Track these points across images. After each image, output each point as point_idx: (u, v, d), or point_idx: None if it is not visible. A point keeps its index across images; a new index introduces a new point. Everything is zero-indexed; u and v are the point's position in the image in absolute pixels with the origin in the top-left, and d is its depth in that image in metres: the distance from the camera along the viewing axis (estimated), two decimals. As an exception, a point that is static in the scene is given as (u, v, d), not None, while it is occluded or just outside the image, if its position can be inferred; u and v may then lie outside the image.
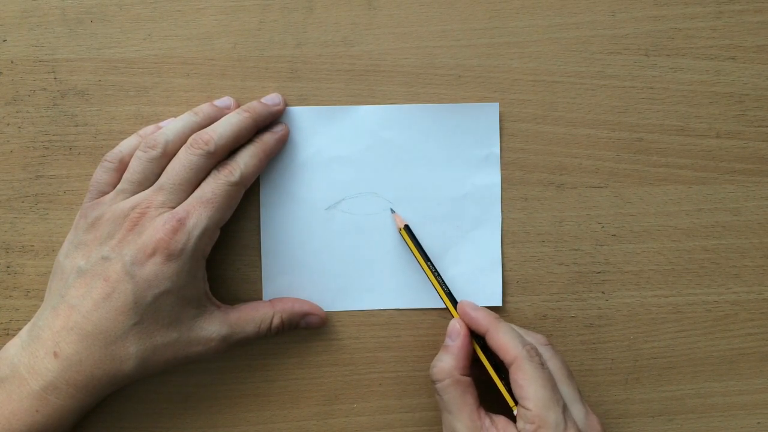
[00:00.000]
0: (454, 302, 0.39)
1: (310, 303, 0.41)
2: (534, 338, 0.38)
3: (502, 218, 0.42)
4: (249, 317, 0.39)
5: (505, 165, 0.42)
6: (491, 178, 0.42)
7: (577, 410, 0.36)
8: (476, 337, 0.38)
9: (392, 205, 0.42)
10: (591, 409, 0.37)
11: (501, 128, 0.42)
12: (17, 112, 0.41)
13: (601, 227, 0.42)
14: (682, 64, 0.42)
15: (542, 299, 0.42)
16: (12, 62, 0.41)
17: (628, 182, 0.42)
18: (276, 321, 0.39)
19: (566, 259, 0.42)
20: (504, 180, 0.42)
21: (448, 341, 0.38)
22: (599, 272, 0.42)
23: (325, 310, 0.41)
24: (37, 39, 0.41)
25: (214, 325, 0.37)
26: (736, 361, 0.43)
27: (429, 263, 0.40)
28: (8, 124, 0.41)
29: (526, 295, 0.42)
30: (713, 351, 0.43)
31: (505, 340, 0.37)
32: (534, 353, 0.36)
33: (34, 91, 0.41)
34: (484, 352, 0.38)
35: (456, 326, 0.38)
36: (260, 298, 0.41)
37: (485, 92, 0.42)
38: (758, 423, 0.43)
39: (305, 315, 0.41)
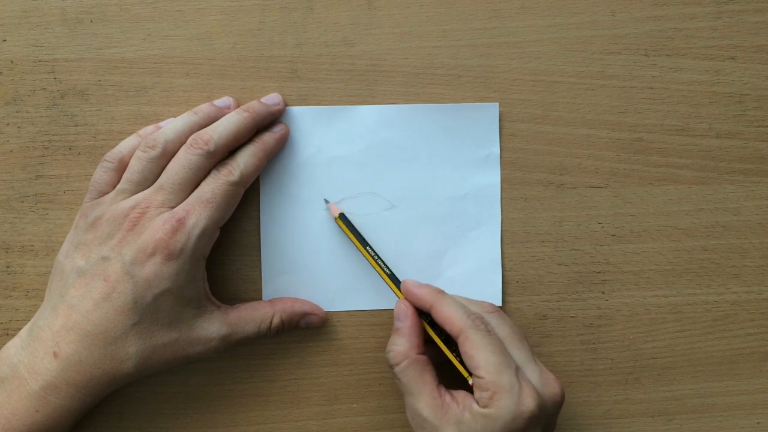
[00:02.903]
0: (398, 283, 0.40)
1: (310, 303, 0.41)
2: (480, 307, 0.38)
3: (502, 218, 0.42)
4: (249, 317, 0.39)
5: (505, 165, 0.42)
6: (491, 178, 0.42)
7: (530, 370, 0.36)
8: (424, 314, 0.39)
9: (392, 206, 0.42)
10: (546, 368, 0.37)
11: (501, 128, 0.42)
12: (17, 112, 0.41)
13: (601, 227, 0.42)
14: (682, 64, 0.42)
15: (542, 299, 0.42)
16: (12, 62, 0.41)
17: (628, 182, 0.42)
18: (276, 321, 0.39)
19: (566, 259, 0.42)
20: (504, 180, 0.42)
21: (397, 323, 0.38)
22: (599, 272, 0.42)
23: (325, 310, 0.41)
24: (37, 39, 0.41)
25: (214, 325, 0.37)
26: (736, 361, 0.43)
27: (368, 247, 0.40)
28: (8, 124, 0.41)
29: (526, 295, 0.42)
30: (713, 351, 0.43)
31: (449, 313, 0.37)
32: (479, 322, 0.36)
33: (34, 91, 0.41)
34: (434, 329, 0.38)
35: (402, 307, 0.39)
36: (260, 298, 0.41)
37: (485, 92, 0.42)
38: (758, 423, 0.43)
39: (305, 315, 0.41)
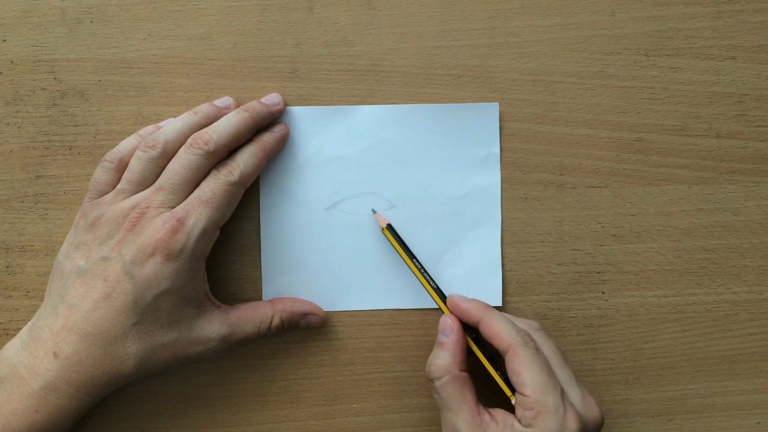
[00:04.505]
0: (443, 298, 0.39)
1: (310, 303, 0.41)
2: (526, 324, 0.38)
3: (502, 218, 0.42)
4: (249, 317, 0.39)
5: (505, 165, 0.42)
6: (491, 178, 0.42)
7: (573, 393, 0.36)
8: (467, 329, 0.38)
9: (392, 206, 0.42)
10: (587, 391, 0.37)
11: (501, 128, 0.42)
12: (17, 112, 0.41)
13: (601, 227, 0.42)
14: (682, 64, 0.42)
15: (542, 299, 0.42)
16: (12, 62, 0.41)
17: (628, 182, 0.42)
18: (276, 321, 0.39)
19: (566, 259, 0.42)
20: (504, 180, 0.42)
21: (441, 338, 0.38)
22: (599, 272, 0.42)
23: (325, 310, 0.41)
24: (37, 39, 0.41)
25: (214, 325, 0.37)
26: (736, 361, 0.43)
27: (414, 260, 0.40)
28: (8, 124, 0.41)
29: (526, 295, 0.42)
30: (713, 351, 0.43)
31: (498, 328, 0.36)
32: (528, 339, 0.36)
33: (34, 91, 0.41)
34: (477, 344, 0.38)
35: (448, 321, 0.38)
36: (260, 298, 0.41)
37: (485, 92, 0.42)
38: (758, 423, 0.43)
39: (305, 315, 0.41)
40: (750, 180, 0.43)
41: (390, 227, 0.40)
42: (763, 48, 0.42)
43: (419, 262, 0.40)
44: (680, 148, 0.42)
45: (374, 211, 0.41)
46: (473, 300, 0.39)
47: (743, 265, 0.43)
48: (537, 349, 0.36)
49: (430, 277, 0.40)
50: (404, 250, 0.40)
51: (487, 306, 0.38)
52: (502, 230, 0.42)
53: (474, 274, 0.42)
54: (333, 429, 0.42)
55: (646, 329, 0.43)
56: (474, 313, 0.38)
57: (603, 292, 0.43)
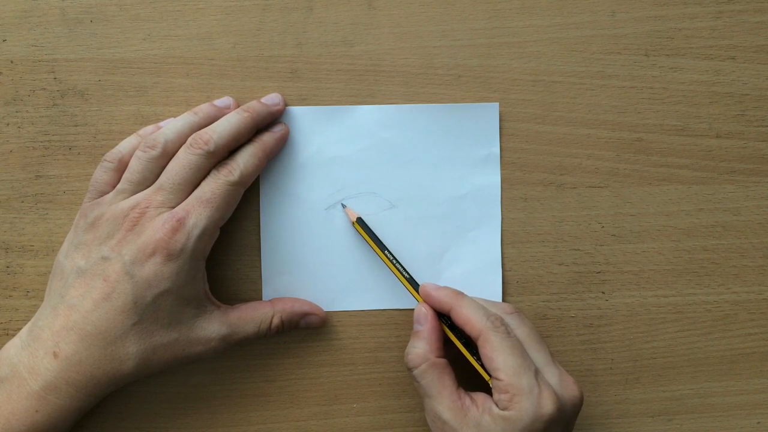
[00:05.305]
0: (417, 287, 0.39)
1: (310, 303, 0.41)
2: (499, 308, 0.38)
3: (502, 218, 0.42)
4: (249, 317, 0.39)
5: (505, 165, 0.42)
6: (491, 178, 0.42)
7: (550, 373, 0.36)
8: (443, 316, 0.39)
9: (392, 206, 0.42)
10: (565, 370, 0.37)
11: (501, 128, 0.42)
12: (17, 112, 0.41)
13: (601, 227, 0.42)
14: (682, 64, 0.42)
15: (542, 299, 0.42)
16: (12, 62, 0.41)
17: (628, 182, 0.42)
18: (276, 321, 0.39)
19: (566, 259, 0.42)
20: (504, 180, 0.42)
21: (416, 327, 0.38)
22: (599, 272, 0.42)
23: (325, 310, 0.41)
24: (37, 39, 0.41)
25: (214, 325, 0.37)
26: (736, 361, 0.43)
27: (386, 251, 0.40)
28: (8, 124, 0.41)
29: (526, 295, 0.42)
30: (713, 351, 0.43)
31: (468, 314, 0.37)
32: (499, 323, 0.36)
33: (34, 91, 0.41)
34: (453, 331, 0.38)
35: (422, 310, 0.38)
36: (260, 298, 0.41)
37: (485, 92, 0.42)
38: (758, 423, 0.43)
39: (305, 315, 0.41)
40: (750, 180, 0.43)
41: (360, 220, 0.40)
42: (763, 48, 0.42)
43: (391, 253, 0.40)
44: (680, 148, 0.42)
45: (344, 206, 0.41)
46: (445, 288, 0.39)
47: (743, 265, 0.43)
48: (508, 333, 0.36)
49: (402, 267, 0.40)
50: (375, 243, 0.40)
51: (458, 293, 0.38)
52: (502, 230, 0.42)
53: (474, 274, 0.42)
54: (333, 429, 0.42)
55: (646, 329, 0.43)
56: (445, 302, 0.38)
57: (603, 292, 0.43)
